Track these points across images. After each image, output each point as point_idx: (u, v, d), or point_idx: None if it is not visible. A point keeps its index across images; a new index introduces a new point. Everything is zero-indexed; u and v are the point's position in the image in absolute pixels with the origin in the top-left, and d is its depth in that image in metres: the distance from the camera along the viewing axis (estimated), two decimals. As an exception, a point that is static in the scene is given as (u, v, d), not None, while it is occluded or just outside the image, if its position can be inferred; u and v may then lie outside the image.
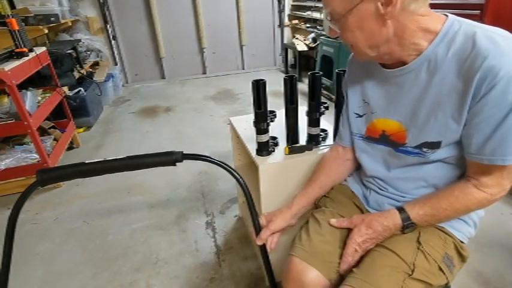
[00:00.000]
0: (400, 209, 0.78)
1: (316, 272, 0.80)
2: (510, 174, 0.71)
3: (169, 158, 0.78)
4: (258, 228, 0.91)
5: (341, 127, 0.98)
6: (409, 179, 0.83)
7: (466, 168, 0.76)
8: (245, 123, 1.37)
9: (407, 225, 0.77)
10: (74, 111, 2.86)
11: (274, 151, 1.15)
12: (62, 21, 3.26)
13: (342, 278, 0.80)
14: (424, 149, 0.76)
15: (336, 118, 1.12)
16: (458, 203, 0.74)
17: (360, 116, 0.89)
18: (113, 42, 4.45)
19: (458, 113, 0.68)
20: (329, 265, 0.82)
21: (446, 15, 0.71)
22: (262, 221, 0.94)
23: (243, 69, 5.19)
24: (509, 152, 0.66)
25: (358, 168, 1.00)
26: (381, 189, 0.89)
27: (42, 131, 2.51)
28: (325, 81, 3.55)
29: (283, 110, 1.14)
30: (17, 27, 1.99)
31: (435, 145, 0.74)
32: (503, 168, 0.69)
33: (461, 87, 0.66)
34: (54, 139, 2.44)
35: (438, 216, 0.76)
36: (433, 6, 0.69)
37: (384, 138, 0.84)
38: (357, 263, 0.80)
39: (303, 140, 1.20)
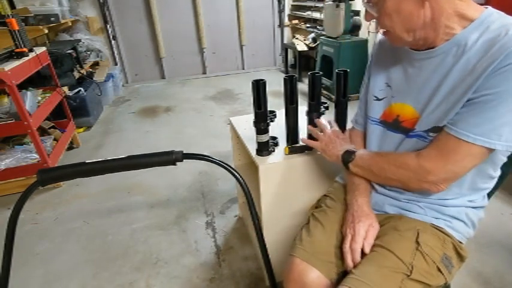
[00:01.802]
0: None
1: (318, 272, 0.81)
2: (460, 162, 0.69)
3: (170, 158, 0.78)
4: (258, 228, 0.91)
5: (358, 110, 1.00)
6: None
7: None
8: (245, 123, 1.37)
9: (349, 151, 0.88)
10: (74, 111, 2.86)
11: (274, 151, 1.15)
12: (62, 21, 3.26)
13: (341, 277, 0.80)
14: (431, 134, 0.75)
15: (336, 118, 1.12)
16: (393, 158, 0.79)
17: (379, 100, 0.89)
18: (113, 42, 4.45)
19: (466, 96, 0.66)
20: (330, 265, 0.83)
21: (486, 7, 0.70)
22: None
23: (243, 69, 5.18)
24: (480, 133, 0.64)
25: None
26: (382, 186, 0.88)
27: (42, 131, 2.51)
28: (325, 81, 3.55)
29: (283, 110, 1.14)
30: (17, 27, 1.99)
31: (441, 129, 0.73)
32: (459, 148, 0.67)
33: (479, 72, 0.64)
34: (54, 139, 2.44)
35: (373, 161, 0.83)
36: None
37: (395, 124, 0.83)
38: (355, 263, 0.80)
39: (303, 140, 1.20)
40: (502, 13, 0.69)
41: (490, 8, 0.69)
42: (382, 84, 0.88)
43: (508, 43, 0.61)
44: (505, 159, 0.78)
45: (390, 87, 0.85)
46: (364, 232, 0.80)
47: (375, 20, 0.77)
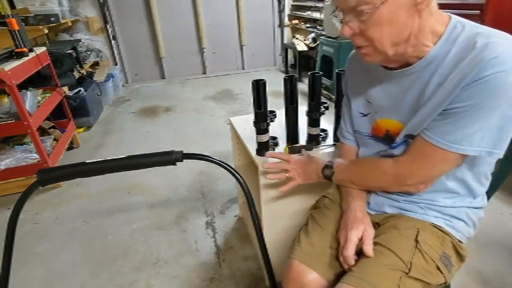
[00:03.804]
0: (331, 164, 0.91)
1: (315, 273, 0.82)
2: (436, 166, 0.72)
3: (170, 158, 0.78)
4: (258, 228, 0.91)
5: (344, 126, 0.98)
6: None
7: (463, 167, 0.76)
8: (245, 123, 1.37)
9: (327, 166, 0.90)
10: (74, 111, 2.86)
11: (274, 151, 1.15)
12: (62, 21, 3.26)
13: (339, 277, 0.80)
14: (410, 140, 0.77)
15: (336, 118, 1.12)
16: (371, 166, 0.84)
17: (365, 115, 0.89)
18: (113, 42, 4.45)
19: (441, 108, 0.68)
20: (328, 266, 0.83)
21: (449, 16, 0.70)
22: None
23: (243, 69, 5.18)
24: (453, 140, 0.67)
25: None
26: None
27: (42, 131, 2.51)
28: (325, 81, 3.55)
29: (283, 110, 1.14)
30: (17, 27, 1.99)
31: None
32: (434, 154, 0.70)
33: (451, 85, 0.66)
34: (54, 139, 2.44)
35: (351, 171, 0.87)
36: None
37: (388, 138, 0.84)
38: (355, 262, 0.80)
39: (303, 140, 1.20)
40: (465, 21, 0.69)
41: (452, 17, 0.70)
42: (363, 100, 0.88)
43: (477, 57, 0.62)
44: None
45: (371, 103, 0.85)
46: (357, 238, 0.80)
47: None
